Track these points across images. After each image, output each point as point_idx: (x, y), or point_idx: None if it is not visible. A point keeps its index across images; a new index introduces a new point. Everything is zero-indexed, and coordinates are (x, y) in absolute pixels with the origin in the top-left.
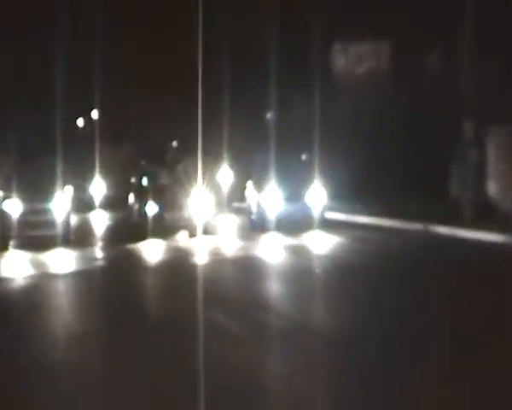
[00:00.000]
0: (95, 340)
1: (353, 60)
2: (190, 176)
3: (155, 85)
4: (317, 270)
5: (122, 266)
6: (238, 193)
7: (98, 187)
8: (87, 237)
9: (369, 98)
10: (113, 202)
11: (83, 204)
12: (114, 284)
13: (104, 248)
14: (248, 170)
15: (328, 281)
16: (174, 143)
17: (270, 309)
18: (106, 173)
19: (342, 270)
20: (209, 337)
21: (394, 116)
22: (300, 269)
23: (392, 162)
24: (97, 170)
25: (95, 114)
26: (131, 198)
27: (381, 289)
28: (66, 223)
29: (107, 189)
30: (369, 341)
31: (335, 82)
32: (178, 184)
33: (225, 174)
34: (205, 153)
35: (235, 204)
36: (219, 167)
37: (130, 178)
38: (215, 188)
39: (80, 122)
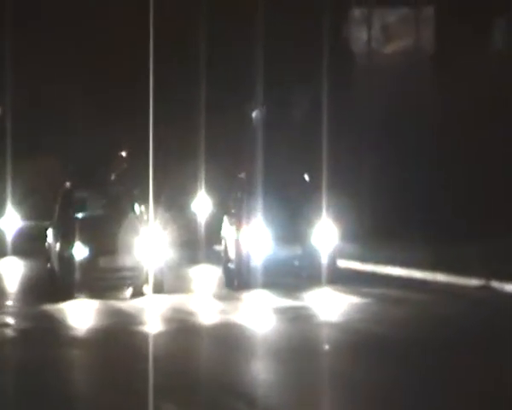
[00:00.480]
0: None
1: (378, 33)
2: (141, 203)
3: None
4: (325, 347)
5: (37, 339)
6: (215, 231)
7: (10, 219)
8: None
9: (400, 92)
10: (31, 241)
11: None
12: (25, 364)
13: (14, 312)
14: (226, 197)
15: (341, 364)
16: (121, 154)
17: (253, 403)
18: (20, 197)
19: (362, 347)
20: None
21: (439, 117)
22: (298, 345)
23: (435, 185)
24: (7, 193)
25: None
26: (50, 237)
27: (424, 380)
28: None
29: (23, 220)
30: None
31: (351, 67)
32: (120, 216)
33: (198, 203)
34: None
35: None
36: (190, 194)
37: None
38: (180, 222)
39: None
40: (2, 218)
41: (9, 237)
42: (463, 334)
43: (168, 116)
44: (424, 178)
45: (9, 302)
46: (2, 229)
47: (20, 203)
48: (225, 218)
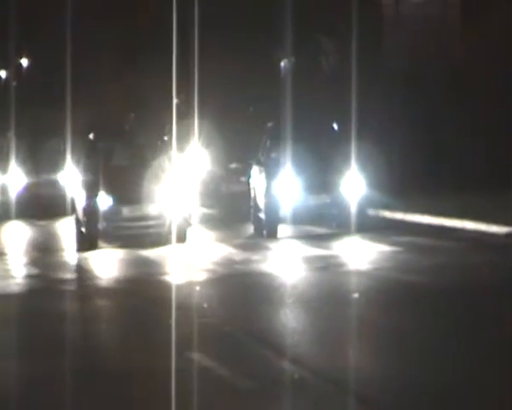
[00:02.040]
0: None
1: None
2: (162, 154)
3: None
4: (355, 295)
5: (63, 289)
6: (228, 177)
7: (15, 176)
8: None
9: (430, 44)
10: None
11: None
12: (51, 315)
13: (39, 263)
14: (254, 146)
15: (371, 312)
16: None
17: (283, 352)
18: (36, 150)
19: (391, 295)
20: (199, 392)
21: (468, 71)
22: (328, 293)
23: (467, 136)
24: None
25: (24, 63)
26: (75, 188)
27: (452, 326)
28: None
29: (37, 173)
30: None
31: (381, 17)
32: (143, 166)
33: (209, 149)
34: (186, 121)
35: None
36: (208, 142)
37: (74, 157)
38: (195, 169)
39: (3, 73)
40: (7, 175)
41: (15, 196)
42: (492, 281)
43: (192, 63)
44: (452, 130)
45: (35, 253)
46: (7, 186)
47: (26, 158)
48: (254, 167)
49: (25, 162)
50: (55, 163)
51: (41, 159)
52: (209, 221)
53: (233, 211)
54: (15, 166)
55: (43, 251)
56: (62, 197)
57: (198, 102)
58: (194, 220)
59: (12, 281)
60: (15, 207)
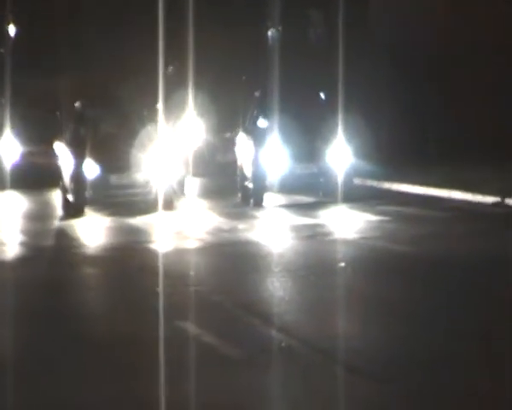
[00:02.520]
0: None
1: None
2: (149, 121)
3: None
4: (342, 263)
5: (50, 257)
6: (224, 146)
7: (9, 144)
8: None
9: (415, 14)
10: (38, 161)
11: None
12: (38, 283)
13: (26, 230)
14: (240, 113)
15: (358, 281)
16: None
17: (270, 321)
18: (25, 118)
19: (377, 264)
20: (187, 360)
21: (451, 42)
22: (316, 262)
23: (449, 108)
24: (8, 113)
25: (11, 30)
26: (62, 155)
27: (436, 295)
28: None
29: (27, 143)
30: (417, 375)
31: None
32: (130, 135)
33: (203, 118)
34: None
35: (220, 160)
36: (195, 108)
37: (62, 125)
38: (188, 138)
39: None
40: (1, 144)
41: (9, 166)
42: (480, 249)
43: (179, 31)
44: (438, 103)
45: (24, 222)
46: (2, 155)
47: (21, 127)
48: (241, 136)
49: (20, 131)
50: (51, 132)
51: (36, 127)
52: (200, 190)
53: (224, 180)
54: (10, 134)
55: (33, 219)
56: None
57: (192, 71)
58: (185, 189)
59: None
60: (10, 177)
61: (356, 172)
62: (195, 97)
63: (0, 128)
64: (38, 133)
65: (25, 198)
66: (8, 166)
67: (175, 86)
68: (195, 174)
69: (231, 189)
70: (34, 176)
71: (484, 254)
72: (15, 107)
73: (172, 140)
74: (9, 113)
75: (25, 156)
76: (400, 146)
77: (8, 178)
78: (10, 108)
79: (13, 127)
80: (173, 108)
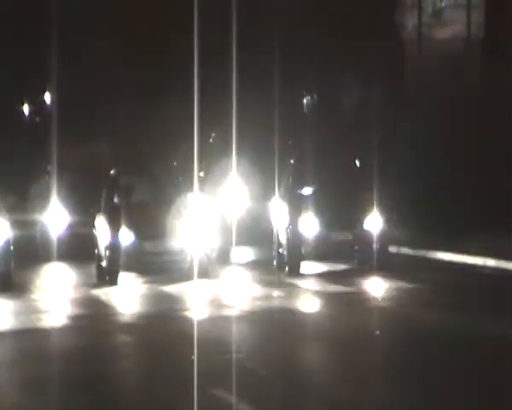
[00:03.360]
0: None
1: (429, 18)
2: (184, 188)
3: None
4: (377, 332)
5: (85, 325)
6: (259, 214)
7: (56, 214)
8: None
9: (453, 81)
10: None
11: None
12: (74, 352)
13: (62, 298)
14: (275, 180)
15: (391, 350)
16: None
17: (313, 393)
18: (72, 187)
19: (413, 333)
20: None
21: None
22: (351, 331)
23: (488, 176)
24: (53, 183)
25: (47, 98)
26: (97, 223)
27: (472, 365)
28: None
29: (74, 212)
30: None
31: (402, 53)
32: (166, 202)
33: (247, 186)
34: (215, 155)
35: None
36: (238, 176)
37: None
38: (231, 206)
39: (26, 108)
40: (47, 213)
41: (56, 237)
42: None
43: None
44: (473, 170)
45: (60, 290)
46: (47, 225)
47: (67, 196)
48: (276, 202)
49: (67, 199)
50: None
51: (83, 196)
52: (238, 258)
53: (265, 248)
54: (57, 203)
55: (71, 288)
56: None
57: (235, 138)
58: (221, 257)
59: (28, 318)
60: (56, 248)
61: (391, 240)
62: (239, 164)
63: (47, 197)
64: (84, 202)
65: (67, 268)
66: (54, 236)
67: (217, 153)
68: (238, 243)
69: (269, 257)
70: (79, 246)
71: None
72: (62, 175)
73: (208, 207)
74: (56, 181)
75: (71, 226)
76: (436, 212)
77: (53, 248)
78: (57, 176)
79: (59, 196)
80: (215, 175)
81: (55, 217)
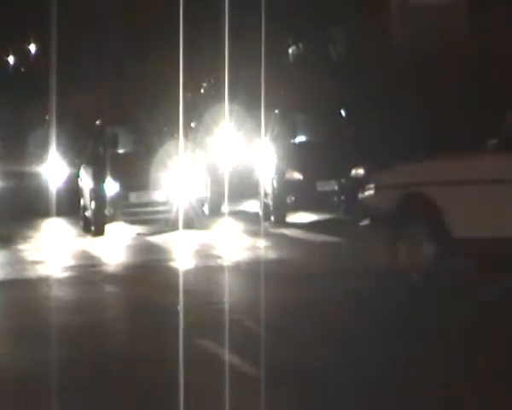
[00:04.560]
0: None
1: None
2: (170, 138)
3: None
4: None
5: (70, 276)
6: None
7: (55, 166)
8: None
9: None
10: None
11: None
12: (59, 303)
13: (46, 249)
14: (261, 130)
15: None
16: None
17: (294, 340)
18: (71, 136)
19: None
20: (208, 379)
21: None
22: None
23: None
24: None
25: (32, 48)
26: (83, 173)
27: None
28: None
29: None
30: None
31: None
32: (151, 152)
33: (226, 137)
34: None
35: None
36: (216, 129)
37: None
38: (210, 159)
39: (11, 59)
40: (45, 165)
41: (54, 190)
42: None
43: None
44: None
45: (44, 239)
46: (46, 178)
47: (65, 147)
48: (262, 153)
49: (66, 150)
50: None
51: (80, 147)
52: (224, 209)
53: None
54: (56, 154)
55: (57, 239)
56: None
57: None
58: (207, 208)
59: (13, 268)
60: (56, 202)
61: None
62: (230, 115)
63: (46, 148)
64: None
65: (55, 220)
66: (53, 188)
67: (209, 103)
68: (230, 194)
69: (257, 207)
70: (73, 199)
71: None
72: (60, 124)
73: (195, 158)
74: (55, 131)
75: (71, 177)
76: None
77: (52, 203)
78: (56, 125)
79: (58, 147)
80: (207, 125)
81: (54, 169)
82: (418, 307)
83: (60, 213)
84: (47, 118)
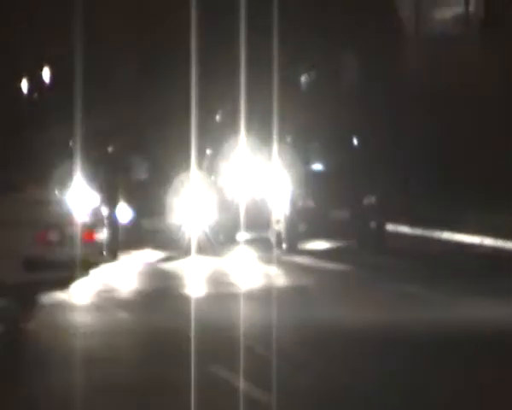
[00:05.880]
0: None
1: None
2: (183, 166)
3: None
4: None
5: (83, 301)
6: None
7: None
8: None
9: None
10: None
11: None
12: (72, 326)
13: None
14: (275, 157)
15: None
16: None
17: (307, 370)
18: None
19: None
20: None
21: (486, 90)
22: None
23: (484, 153)
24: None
25: (46, 74)
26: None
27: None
28: None
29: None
30: None
31: (399, 32)
32: (164, 180)
33: (241, 164)
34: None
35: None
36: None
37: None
38: (224, 186)
39: (24, 85)
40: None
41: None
42: None
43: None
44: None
45: None
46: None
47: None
48: (276, 180)
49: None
50: None
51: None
52: (238, 236)
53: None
54: (81, 180)
55: None
56: None
57: (244, 114)
58: (220, 235)
59: None
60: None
61: (389, 219)
62: (247, 142)
63: (69, 174)
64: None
65: None
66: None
67: (224, 130)
68: (246, 222)
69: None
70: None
71: None
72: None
73: (208, 185)
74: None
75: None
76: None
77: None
78: (80, 151)
79: (83, 172)
80: (222, 153)
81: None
82: None
83: None
84: (70, 144)
